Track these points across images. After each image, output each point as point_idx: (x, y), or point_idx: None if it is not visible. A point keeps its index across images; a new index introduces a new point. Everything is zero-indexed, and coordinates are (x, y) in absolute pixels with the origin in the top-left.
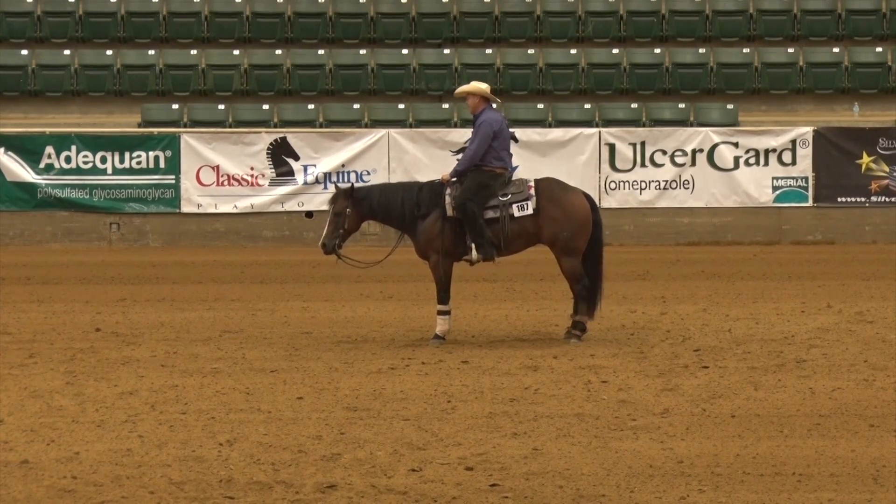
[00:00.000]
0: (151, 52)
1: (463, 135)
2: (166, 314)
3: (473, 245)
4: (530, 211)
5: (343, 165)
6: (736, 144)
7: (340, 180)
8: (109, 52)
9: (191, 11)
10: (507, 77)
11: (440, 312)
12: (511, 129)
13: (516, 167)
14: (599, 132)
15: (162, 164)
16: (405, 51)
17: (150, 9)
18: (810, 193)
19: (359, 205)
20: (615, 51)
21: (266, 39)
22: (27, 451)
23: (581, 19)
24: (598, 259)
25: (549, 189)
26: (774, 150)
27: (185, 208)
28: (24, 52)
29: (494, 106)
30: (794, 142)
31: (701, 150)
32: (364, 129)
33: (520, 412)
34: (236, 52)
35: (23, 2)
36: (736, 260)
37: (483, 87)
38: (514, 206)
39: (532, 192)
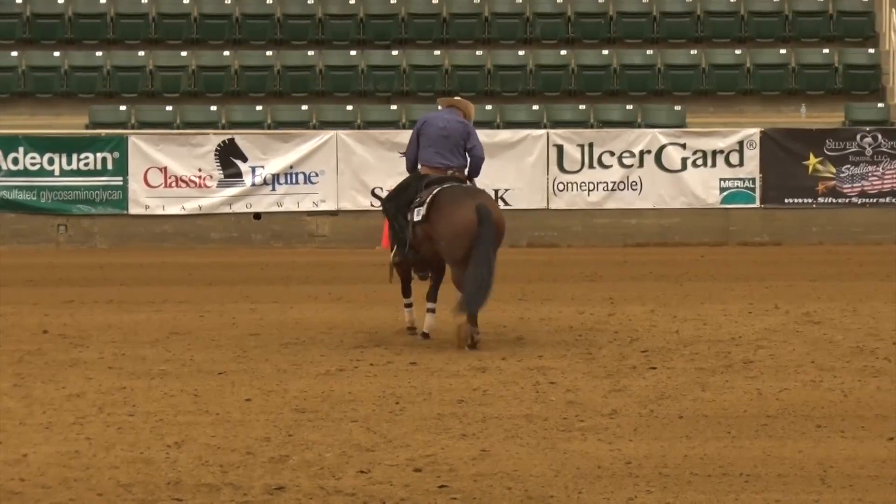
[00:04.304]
0: (99, 53)
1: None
2: (114, 316)
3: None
4: (420, 217)
5: (291, 167)
6: (683, 146)
7: (288, 182)
8: (57, 54)
9: (138, 13)
10: (455, 78)
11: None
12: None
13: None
14: (548, 133)
15: (110, 166)
16: (353, 52)
17: (97, 10)
18: (757, 195)
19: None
20: (563, 52)
21: (214, 41)
22: None
23: (529, 21)
24: (478, 259)
25: (442, 197)
26: (722, 152)
27: (133, 210)
28: None
29: (439, 108)
30: (741, 143)
31: (648, 152)
32: (312, 130)
33: (468, 413)
34: (184, 53)
35: None
36: (683, 261)
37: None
38: (415, 210)
39: (429, 198)
